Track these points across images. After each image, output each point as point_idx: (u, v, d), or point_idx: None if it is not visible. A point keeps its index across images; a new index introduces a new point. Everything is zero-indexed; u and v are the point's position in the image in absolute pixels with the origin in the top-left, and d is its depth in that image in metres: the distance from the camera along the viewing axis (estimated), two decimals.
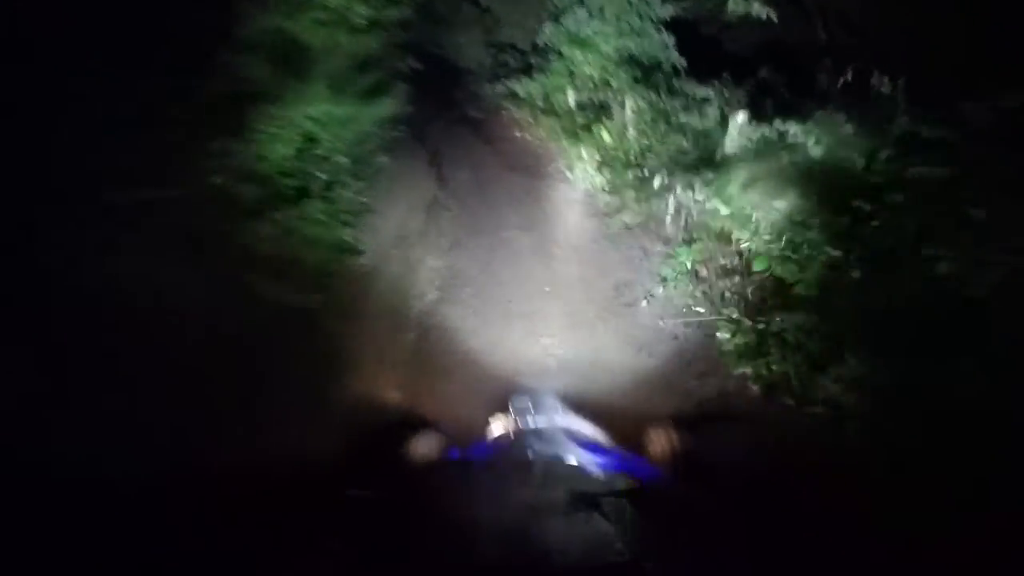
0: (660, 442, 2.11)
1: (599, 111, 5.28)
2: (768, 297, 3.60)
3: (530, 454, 1.41)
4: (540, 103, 6.51)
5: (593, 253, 4.47)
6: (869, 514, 1.86)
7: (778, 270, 3.51)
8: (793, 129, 3.61)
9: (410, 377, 3.76)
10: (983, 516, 1.81)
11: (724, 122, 4.19)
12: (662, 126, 4.74)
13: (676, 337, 4.03)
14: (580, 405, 2.52)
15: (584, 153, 5.31)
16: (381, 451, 2.23)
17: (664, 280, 4.28)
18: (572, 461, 1.38)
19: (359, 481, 1.86)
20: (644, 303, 4.22)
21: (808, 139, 3.52)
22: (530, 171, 5.68)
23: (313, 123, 3.79)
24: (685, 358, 3.81)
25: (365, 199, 4.41)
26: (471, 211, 5.17)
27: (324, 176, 3.94)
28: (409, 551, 1.13)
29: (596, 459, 1.51)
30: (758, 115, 3.84)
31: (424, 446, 2.19)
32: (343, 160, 4.14)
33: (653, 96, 4.62)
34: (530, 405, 1.95)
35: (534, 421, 1.93)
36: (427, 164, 5.72)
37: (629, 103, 4.83)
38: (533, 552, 0.91)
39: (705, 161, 4.22)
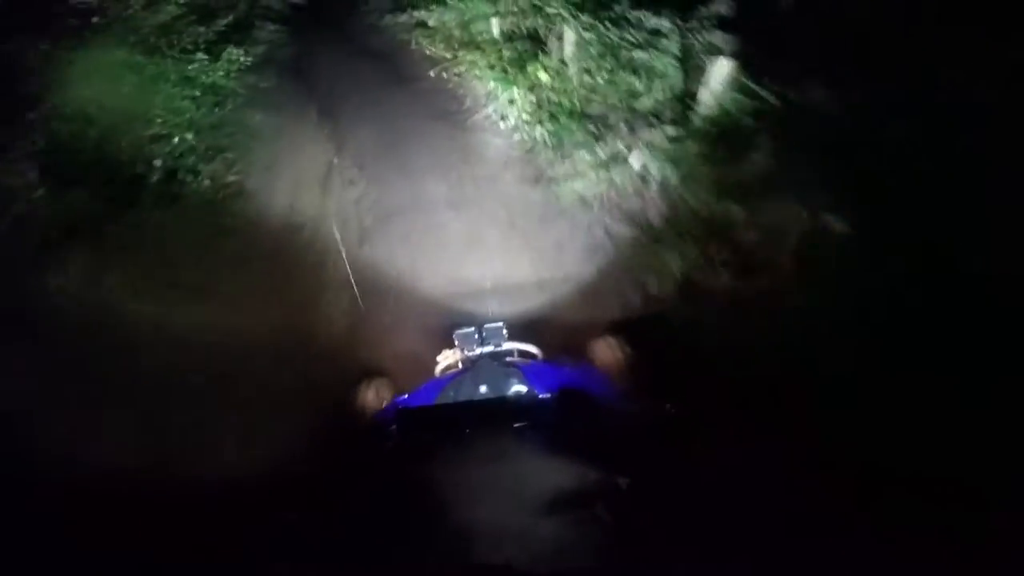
0: (604, 356, 2.08)
1: (533, 44, 4.25)
2: None
3: (480, 389, 1.29)
4: (457, 33, 5.33)
5: (543, 238, 3.63)
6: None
7: None
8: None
9: None
10: None
11: (685, 62, 3.36)
12: (609, 62, 3.82)
13: None
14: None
15: (517, 95, 4.31)
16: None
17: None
18: (520, 389, 1.27)
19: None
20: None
21: None
22: (452, 121, 4.62)
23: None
24: None
25: (233, 177, 3.30)
26: (380, 180, 4.11)
27: (159, 163, 2.81)
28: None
29: (547, 380, 1.38)
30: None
31: (371, 393, 2.12)
32: (188, 137, 2.99)
33: (601, 28, 3.64)
34: (474, 335, 1.85)
35: (481, 350, 1.83)
36: (317, 119, 4.51)
37: (569, 34, 3.83)
38: (523, 554, 0.71)
39: (663, 112, 3.41)
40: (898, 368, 2.15)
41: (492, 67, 4.75)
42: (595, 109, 3.77)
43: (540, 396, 1.14)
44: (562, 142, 3.81)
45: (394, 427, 1.08)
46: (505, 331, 1.82)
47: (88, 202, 3.02)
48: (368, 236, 3.69)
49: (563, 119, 3.80)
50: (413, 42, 5.11)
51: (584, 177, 3.60)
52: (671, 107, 3.46)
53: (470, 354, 1.80)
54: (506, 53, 4.71)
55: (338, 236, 3.63)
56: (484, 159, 4.21)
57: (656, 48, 3.55)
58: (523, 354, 1.83)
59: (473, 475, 0.83)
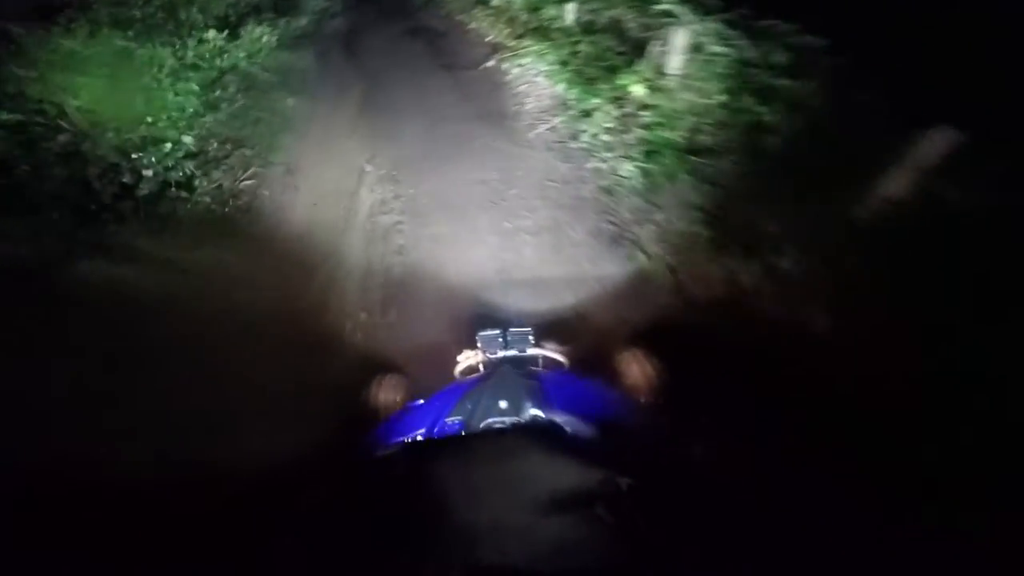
0: (632, 372, 1.97)
1: (623, 42, 3.37)
2: None
3: (500, 403, 1.17)
4: (523, 16, 4.41)
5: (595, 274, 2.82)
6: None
7: None
8: None
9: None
10: None
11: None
12: (733, 83, 2.94)
13: None
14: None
15: (596, 108, 3.45)
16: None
17: None
18: (542, 414, 1.12)
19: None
20: None
21: None
22: (507, 129, 3.79)
23: None
24: None
25: (247, 181, 2.64)
26: (416, 194, 3.32)
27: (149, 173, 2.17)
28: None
29: (569, 395, 1.24)
30: None
31: (386, 392, 2.00)
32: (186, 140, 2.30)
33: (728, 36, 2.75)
34: (498, 338, 1.75)
35: (504, 353, 1.74)
36: (356, 110, 3.74)
37: (680, 38, 2.94)
38: (525, 555, 0.72)
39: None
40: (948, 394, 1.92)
41: (564, 64, 3.88)
42: (706, 142, 2.91)
43: (560, 421, 1.07)
44: (658, 188, 2.92)
45: (400, 457, 0.97)
46: (532, 337, 1.76)
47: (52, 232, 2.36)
48: (396, 244, 2.97)
49: (664, 155, 2.93)
50: (471, 22, 4.24)
51: (689, 255, 2.67)
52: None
53: (492, 357, 1.73)
54: (584, 49, 3.81)
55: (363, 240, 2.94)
56: (543, 190, 3.34)
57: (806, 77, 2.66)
58: (548, 362, 1.77)
59: (474, 474, 0.82)
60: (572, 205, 3.10)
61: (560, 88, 3.80)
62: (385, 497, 0.82)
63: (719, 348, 2.24)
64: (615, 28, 3.58)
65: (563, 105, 3.73)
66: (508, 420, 1.10)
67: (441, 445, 1.01)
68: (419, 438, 1.15)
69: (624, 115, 3.33)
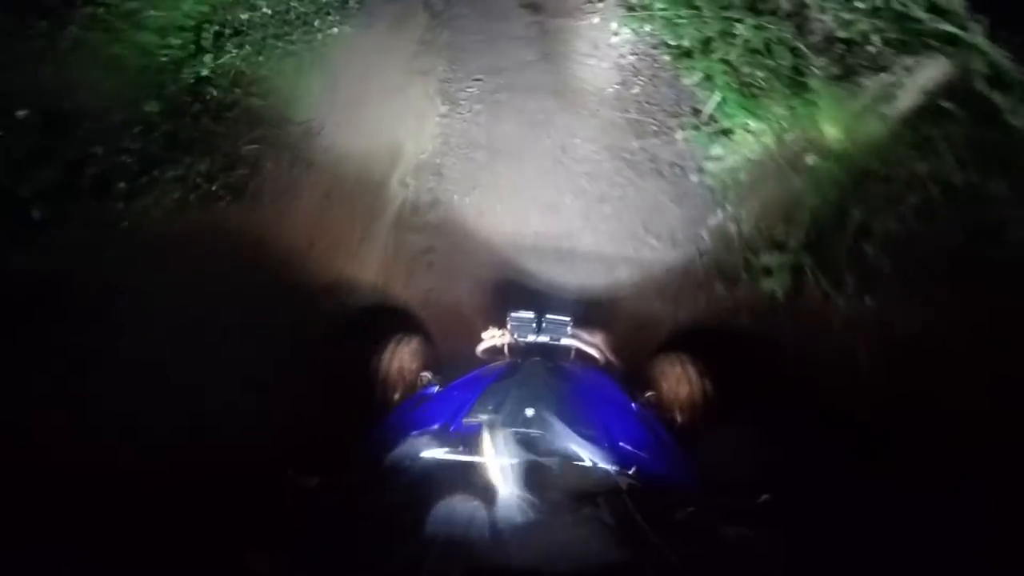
0: (674, 381, 1.70)
1: (828, 55, 2.24)
2: None
3: (526, 412, 1.09)
4: None
5: None
6: None
7: None
8: None
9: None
10: None
11: None
12: None
13: None
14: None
15: (761, 139, 2.46)
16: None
17: None
18: (567, 444, 1.02)
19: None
20: None
21: None
22: (597, 115, 2.77)
23: None
24: None
25: None
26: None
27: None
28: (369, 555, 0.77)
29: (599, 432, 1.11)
30: None
31: (402, 358, 1.75)
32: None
33: None
34: (532, 322, 1.65)
35: (535, 339, 1.65)
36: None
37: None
38: (525, 555, 0.72)
39: None
40: None
41: (707, 46, 2.69)
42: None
43: (583, 454, 0.95)
44: None
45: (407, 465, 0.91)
46: (570, 328, 1.64)
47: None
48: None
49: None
50: None
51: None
52: None
53: (522, 341, 1.64)
54: (747, 36, 2.60)
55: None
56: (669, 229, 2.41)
57: None
58: (581, 355, 1.66)
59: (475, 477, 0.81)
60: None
61: (693, 81, 2.69)
62: (386, 498, 0.80)
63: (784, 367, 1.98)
64: (800, 14, 2.41)
65: (692, 110, 2.65)
66: (532, 433, 0.99)
67: (447, 466, 0.91)
68: (433, 434, 1.03)
69: (789, 153, 2.30)
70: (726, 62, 2.57)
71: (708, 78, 2.59)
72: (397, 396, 1.72)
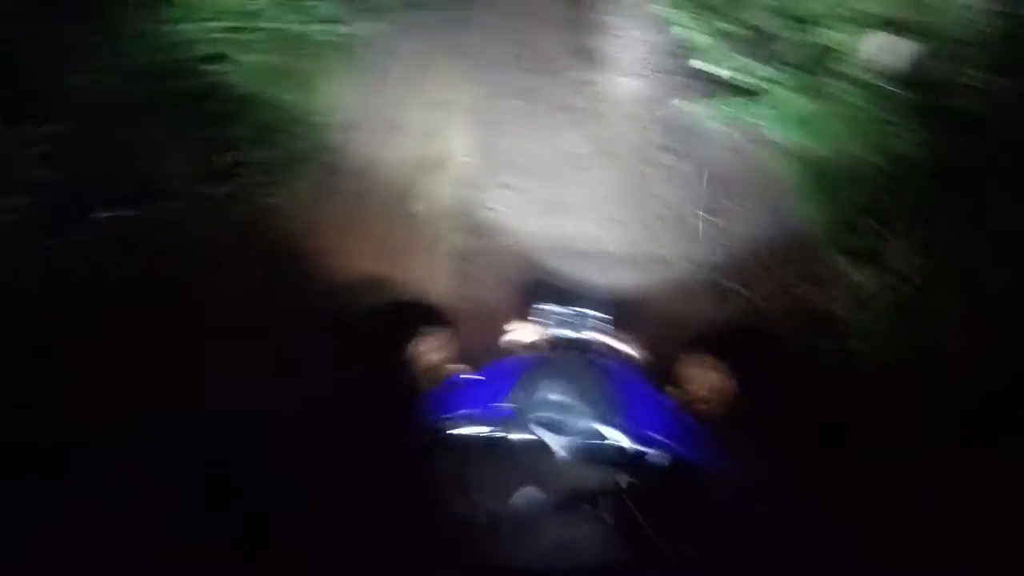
0: (700, 382, 1.65)
1: None
2: None
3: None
4: None
5: None
6: None
7: None
8: None
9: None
10: None
11: None
12: None
13: None
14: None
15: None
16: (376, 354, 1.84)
17: None
18: (596, 427, 1.05)
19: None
20: None
21: None
22: (616, 88, 2.78)
23: None
24: None
25: None
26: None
27: None
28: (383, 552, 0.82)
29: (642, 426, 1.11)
30: None
31: (429, 348, 1.71)
32: None
33: None
34: (566, 318, 1.67)
35: (568, 334, 1.67)
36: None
37: None
38: (526, 554, 0.79)
39: None
40: None
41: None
42: None
43: (625, 447, 0.97)
44: None
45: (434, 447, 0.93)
46: (601, 323, 1.64)
47: None
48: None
49: None
50: None
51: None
52: None
53: (554, 334, 1.65)
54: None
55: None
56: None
57: None
58: (611, 349, 1.64)
59: (473, 473, 0.83)
60: None
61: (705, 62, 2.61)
62: (382, 491, 0.80)
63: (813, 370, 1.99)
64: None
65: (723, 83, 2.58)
66: (568, 421, 1.00)
67: (468, 442, 0.95)
68: (471, 416, 1.06)
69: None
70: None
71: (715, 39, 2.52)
72: (426, 385, 1.72)
